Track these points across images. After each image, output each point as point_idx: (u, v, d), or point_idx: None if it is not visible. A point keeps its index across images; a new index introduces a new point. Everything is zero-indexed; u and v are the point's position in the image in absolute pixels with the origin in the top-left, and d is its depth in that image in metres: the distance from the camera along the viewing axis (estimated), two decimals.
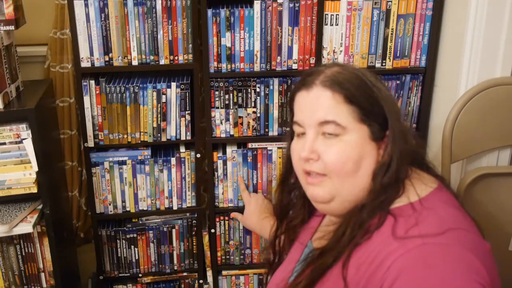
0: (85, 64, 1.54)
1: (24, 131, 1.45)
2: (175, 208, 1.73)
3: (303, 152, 0.95)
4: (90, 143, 1.61)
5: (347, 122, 0.92)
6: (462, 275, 0.78)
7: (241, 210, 1.71)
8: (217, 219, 1.73)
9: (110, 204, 1.70)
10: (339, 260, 0.91)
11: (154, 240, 1.76)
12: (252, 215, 1.56)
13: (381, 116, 0.94)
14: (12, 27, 1.41)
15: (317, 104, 0.94)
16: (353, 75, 0.95)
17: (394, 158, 0.92)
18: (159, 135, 1.63)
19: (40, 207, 1.58)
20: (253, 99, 1.60)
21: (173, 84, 1.58)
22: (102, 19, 1.50)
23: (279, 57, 1.55)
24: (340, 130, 0.92)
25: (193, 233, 1.77)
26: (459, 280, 0.77)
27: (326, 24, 1.53)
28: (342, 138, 0.92)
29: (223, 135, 1.63)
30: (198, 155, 1.67)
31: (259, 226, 1.53)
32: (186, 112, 1.62)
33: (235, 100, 1.59)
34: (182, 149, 1.68)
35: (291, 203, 1.16)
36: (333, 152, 0.92)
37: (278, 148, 1.65)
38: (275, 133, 1.64)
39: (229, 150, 1.65)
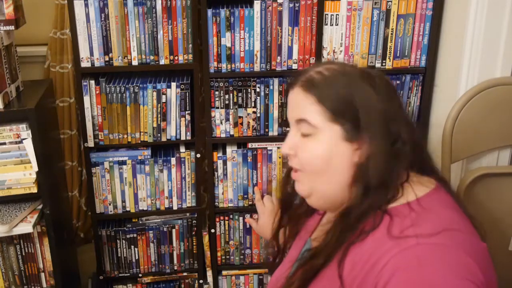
0: (85, 64, 1.54)
1: (24, 131, 1.45)
2: (175, 208, 1.73)
3: (282, 148, 1.01)
4: (90, 143, 1.61)
5: (319, 121, 0.93)
6: (455, 275, 0.78)
7: (240, 210, 1.72)
8: (217, 219, 1.73)
9: (110, 204, 1.70)
10: (330, 261, 0.92)
11: (154, 240, 1.76)
12: (266, 225, 1.56)
13: (356, 117, 0.92)
14: (12, 27, 1.41)
15: (295, 104, 0.99)
16: (332, 75, 0.95)
17: (372, 160, 0.90)
18: (159, 135, 1.63)
19: (40, 207, 1.58)
20: (253, 99, 1.60)
21: (173, 84, 1.58)
22: (102, 19, 1.50)
23: (279, 57, 1.55)
24: (312, 129, 0.94)
25: (193, 233, 1.77)
26: (452, 280, 0.77)
27: (326, 24, 1.53)
28: (316, 137, 0.94)
29: (223, 135, 1.63)
30: (198, 155, 1.67)
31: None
32: (186, 112, 1.62)
33: (235, 100, 1.59)
34: (182, 149, 1.68)
35: (295, 194, 1.16)
36: (306, 149, 0.96)
37: (278, 148, 1.65)
38: (275, 133, 1.64)
39: (229, 150, 1.65)
